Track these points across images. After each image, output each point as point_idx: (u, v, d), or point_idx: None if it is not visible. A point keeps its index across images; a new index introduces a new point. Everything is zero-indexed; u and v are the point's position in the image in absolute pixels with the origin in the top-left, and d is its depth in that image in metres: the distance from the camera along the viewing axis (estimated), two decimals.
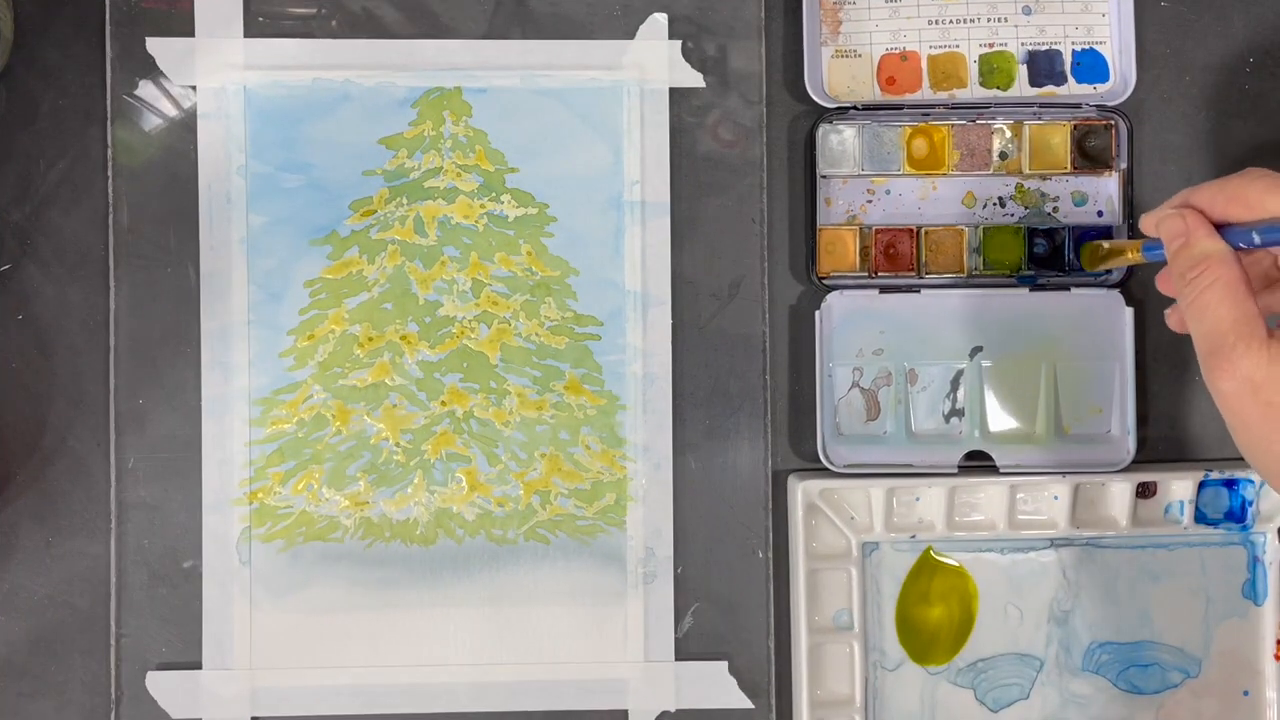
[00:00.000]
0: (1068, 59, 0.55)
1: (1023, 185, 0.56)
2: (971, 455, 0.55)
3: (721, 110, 0.55)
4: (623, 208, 0.54)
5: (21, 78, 0.54)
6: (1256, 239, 0.42)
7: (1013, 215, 0.56)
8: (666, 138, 0.54)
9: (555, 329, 0.54)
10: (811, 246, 0.54)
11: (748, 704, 0.54)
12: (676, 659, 0.54)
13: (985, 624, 0.55)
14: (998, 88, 0.55)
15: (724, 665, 0.54)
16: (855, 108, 0.54)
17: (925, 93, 0.55)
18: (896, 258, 0.55)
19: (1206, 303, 0.41)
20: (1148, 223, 0.46)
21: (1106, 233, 0.55)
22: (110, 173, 0.54)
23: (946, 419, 0.55)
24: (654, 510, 0.54)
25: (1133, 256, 0.50)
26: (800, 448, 0.55)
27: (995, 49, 0.55)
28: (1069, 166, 0.55)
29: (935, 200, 0.55)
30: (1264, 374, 0.40)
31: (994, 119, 0.55)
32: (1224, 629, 0.55)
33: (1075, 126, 0.55)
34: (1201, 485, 0.54)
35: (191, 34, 0.54)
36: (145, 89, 0.54)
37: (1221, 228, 0.43)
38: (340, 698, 0.54)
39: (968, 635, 0.55)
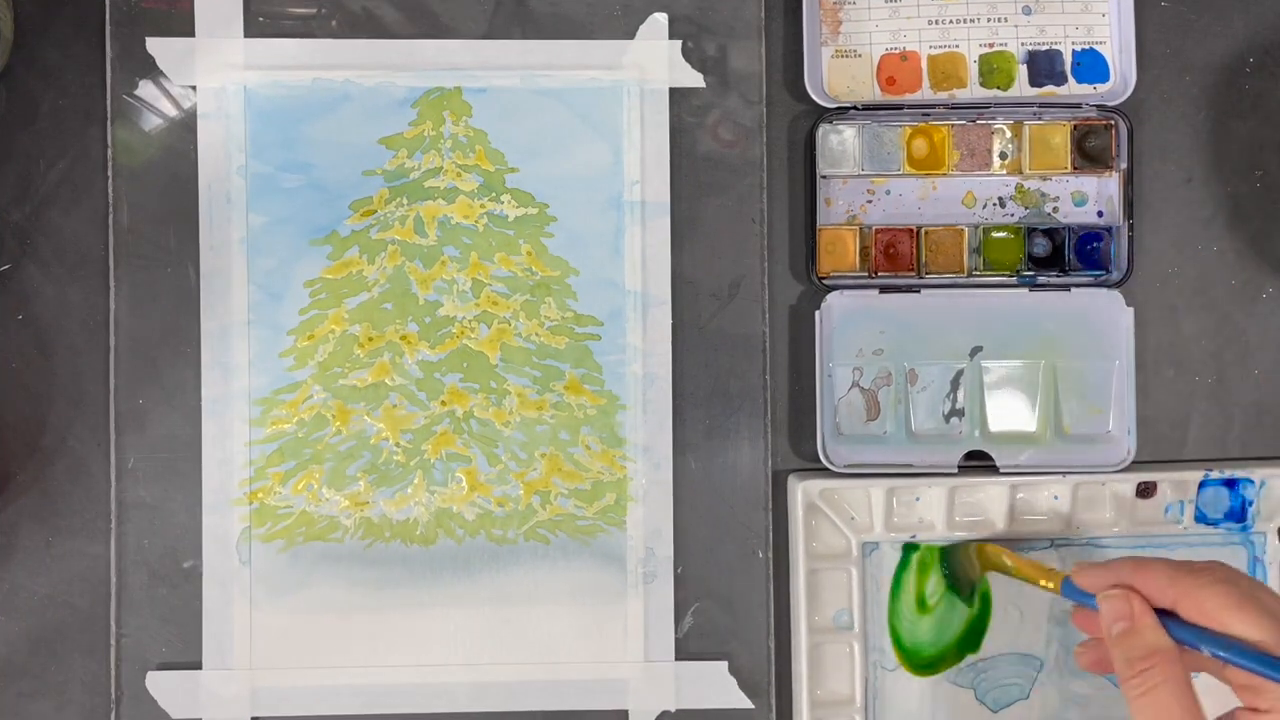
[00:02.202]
0: (1068, 59, 0.55)
1: (1023, 185, 0.56)
2: (971, 455, 0.55)
3: (721, 110, 0.55)
4: (623, 208, 0.54)
5: (21, 78, 0.54)
6: (1205, 651, 0.42)
7: (1013, 215, 0.56)
8: (666, 138, 0.54)
9: (555, 329, 0.54)
10: (811, 246, 0.54)
11: (748, 704, 0.54)
12: (676, 659, 0.54)
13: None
14: (998, 88, 0.55)
15: (724, 665, 0.54)
16: (855, 108, 0.54)
17: (925, 93, 0.55)
18: (896, 258, 0.55)
19: (1156, 700, 0.42)
20: (1085, 578, 0.46)
21: (1106, 232, 0.55)
22: (110, 173, 0.54)
23: (946, 419, 0.55)
24: (654, 510, 0.54)
25: (1048, 586, 0.48)
26: (800, 448, 0.55)
27: (995, 49, 0.55)
28: (1069, 166, 0.55)
29: (935, 200, 0.55)
30: None
31: (994, 119, 0.55)
32: None
33: (1075, 126, 0.55)
34: (1201, 485, 0.54)
35: (191, 34, 0.54)
36: (145, 89, 0.54)
37: (1163, 613, 0.43)
38: (340, 698, 0.54)
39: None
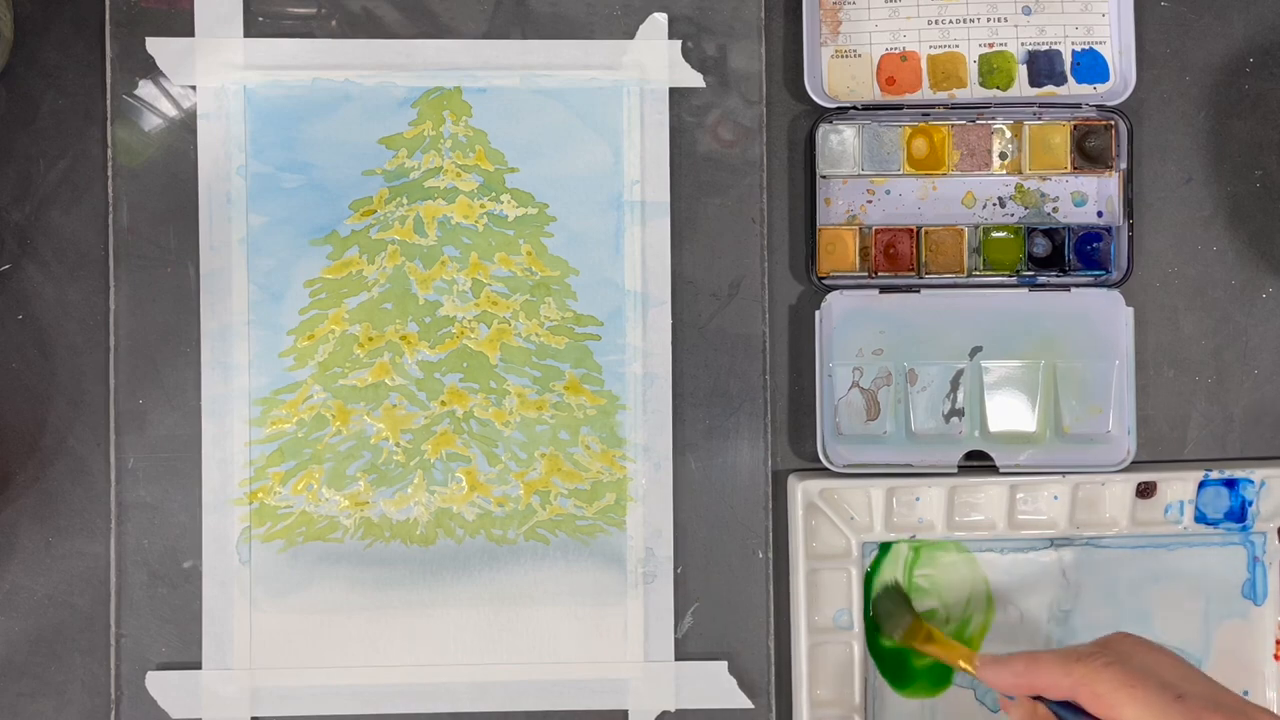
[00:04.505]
0: (1068, 59, 0.55)
1: (1023, 185, 0.56)
2: (971, 455, 0.55)
3: (721, 110, 0.55)
4: (623, 208, 0.54)
5: (21, 78, 0.54)
6: None
7: (1013, 215, 0.56)
8: (666, 138, 0.54)
9: (555, 329, 0.54)
10: (811, 246, 0.54)
11: (748, 704, 0.54)
12: (676, 659, 0.54)
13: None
14: (998, 88, 0.55)
15: (724, 665, 0.54)
16: (855, 108, 0.54)
17: (925, 93, 0.55)
18: (896, 258, 0.55)
19: None
20: (987, 673, 0.47)
21: (1106, 232, 0.55)
22: (110, 173, 0.54)
23: (946, 419, 0.55)
24: (654, 510, 0.54)
25: (966, 667, 0.49)
26: (800, 448, 0.55)
27: (995, 49, 0.55)
28: (1069, 166, 0.55)
29: (935, 200, 0.55)
30: None
31: (994, 119, 0.55)
32: (1224, 629, 0.55)
33: (1075, 126, 0.55)
34: (1201, 485, 0.54)
35: (191, 34, 0.54)
36: (145, 89, 0.54)
37: (1067, 704, 0.44)
38: (340, 698, 0.54)
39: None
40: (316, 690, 0.54)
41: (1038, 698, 0.45)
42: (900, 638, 0.52)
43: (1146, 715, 0.41)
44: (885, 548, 0.54)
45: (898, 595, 0.53)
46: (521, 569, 0.54)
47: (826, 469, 0.54)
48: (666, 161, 0.54)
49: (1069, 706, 0.44)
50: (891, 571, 0.54)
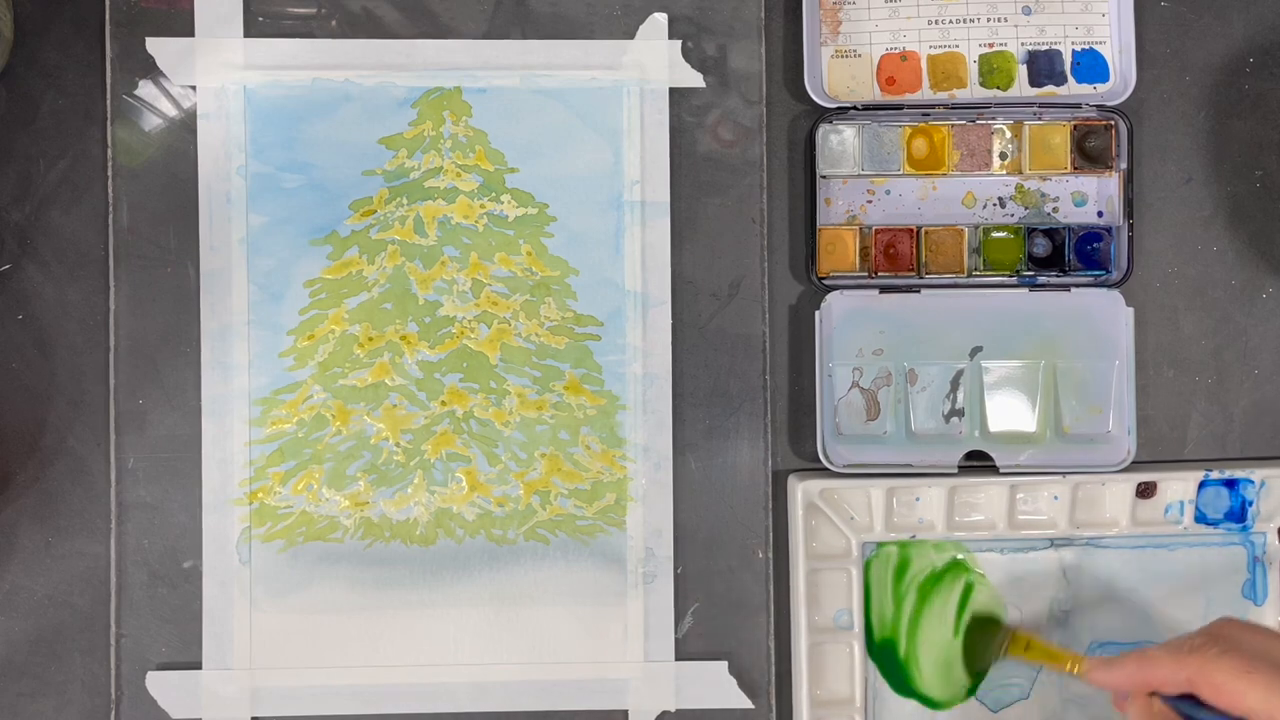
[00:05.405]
0: (1068, 59, 0.55)
1: (1023, 185, 0.56)
2: (971, 455, 0.55)
3: (721, 110, 0.55)
4: (623, 208, 0.54)
5: (21, 78, 0.54)
6: None
7: (1013, 215, 0.56)
8: (666, 138, 0.54)
9: (555, 329, 0.54)
10: (811, 246, 0.54)
11: (748, 704, 0.54)
12: (676, 659, 0.54)
13: None
14: (998, 88, 0.55)
15: (724, 665, 0.54)
16: (855, 108, 0.54)
17: (925, 93, 0.55)
18: (896, 258, 0.55)
19: None
20: (1097, 676, 0.47)
21: (1106, 232, 0.55)
22: (110, 173, 0.54)
23: (946, 419, 0.55)
24: (654, 510, 0.54)
25: (1074, 671, 0.50)
26: (800, 448, 0.55)
27: (995, 49, 0.55)
28: (1069, 166, 0.55)
29: (935, 200, 0.55)
30: None
31: (994, 119, 0.55)
32: None
33: (1075, 126, 0.55)
34: (1201, 485, 0.54)
35: (191, 34, 0.54)
36: (145, 89, 0.54)
37: (1184, 698, 0.44)
38: (340, 698, 0.54)
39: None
40: (316, 690, 0.54)
41: (1153, 693, 0.45)
42: (1000, 654, 0.53)
43: (1270, 700, 0.41)
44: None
45: (987, 619, 0.54)
46: (521, 569, 0.54)
47: (826, 469, 0.54)
48: (666, 161, 0.54)
49: (1186, 699, 0.44)
50: (983, 598, 0.54)
